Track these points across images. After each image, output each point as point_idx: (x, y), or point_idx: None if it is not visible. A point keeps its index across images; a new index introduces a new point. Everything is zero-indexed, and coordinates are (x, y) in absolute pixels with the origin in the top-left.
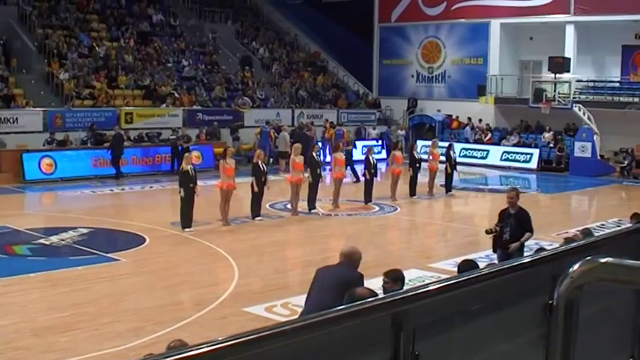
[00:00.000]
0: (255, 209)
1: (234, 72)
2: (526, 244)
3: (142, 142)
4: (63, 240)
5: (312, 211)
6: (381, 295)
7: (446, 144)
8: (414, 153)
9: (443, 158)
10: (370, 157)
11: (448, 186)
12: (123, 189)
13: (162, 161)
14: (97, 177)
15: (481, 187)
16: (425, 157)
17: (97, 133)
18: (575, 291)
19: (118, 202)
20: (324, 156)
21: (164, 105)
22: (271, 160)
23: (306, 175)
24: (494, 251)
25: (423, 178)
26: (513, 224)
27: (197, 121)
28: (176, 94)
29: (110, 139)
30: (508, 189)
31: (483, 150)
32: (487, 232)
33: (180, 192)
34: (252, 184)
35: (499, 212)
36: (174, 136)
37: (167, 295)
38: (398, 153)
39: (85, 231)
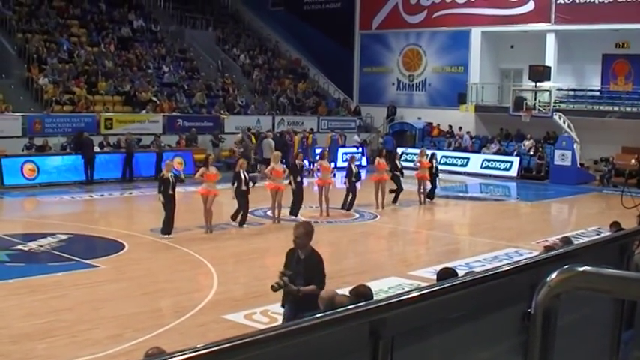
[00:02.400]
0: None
1: (215, 78)
2: (505, 252)
3: (121, 148)
4: (42, 246)
5: (293, 218)
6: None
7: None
8: (397, 161)
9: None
10: (352, 166)
11: (430, 194)
12: (102, 195)
13: (141, 167)
14: (76, 183)
15: (461, 195)
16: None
17: (84, 139)
18: (553, 299)
19: (97, 208)
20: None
21: (144, 111)
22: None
23: (286, 182)
24: (283, 305)
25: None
26: (304, 273)
27: (177, 128)
28: (156, 100)
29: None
30: (295, 225)
31: (464, 158)
32: (273, 288)
33: (160, 198)
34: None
35: (286, 253)
36: (128, 142)
37: (146, 302)
38: (382, 160)
39: (63, 237)
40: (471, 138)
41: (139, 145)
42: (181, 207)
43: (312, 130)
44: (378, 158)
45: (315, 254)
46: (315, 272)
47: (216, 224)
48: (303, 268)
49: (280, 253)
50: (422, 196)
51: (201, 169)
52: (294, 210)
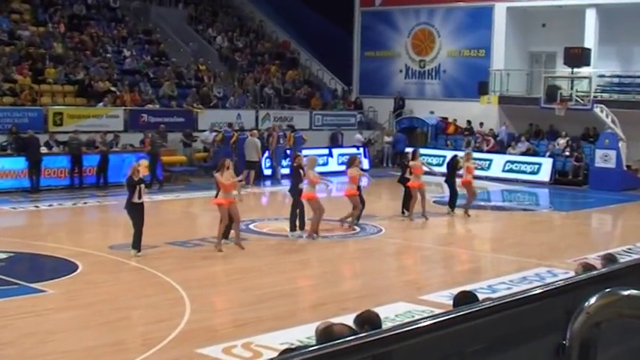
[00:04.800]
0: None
1: (186, 65)
2: (536, 272)
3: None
4: None
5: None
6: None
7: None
8: (405, 162)
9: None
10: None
11: (451, 204)
12: (50, 205)
13: (94, 172)
14: (18, 190)
15: (482, 204)
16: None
17: (20, 137)
18: (592, 329)
19: (44, 220)
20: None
21: (101, 104)
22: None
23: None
24: None
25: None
26: None
27: (142, 124)
28: (116, 91)
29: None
30: None
31: (485, 159)
32: None
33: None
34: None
35: None
36: (75, 141)
37: (105, 334)
38: (418, 163)
39: (3, 256)
40: (492, 136)
41: (95, 146)
42: (147, 219)
43: (292, 127)
44: (412, 161)
45: None
46: None
47: (190, 239)
48: None
49: (267, 273)
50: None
51: (216, 175)
52: (302, 222)
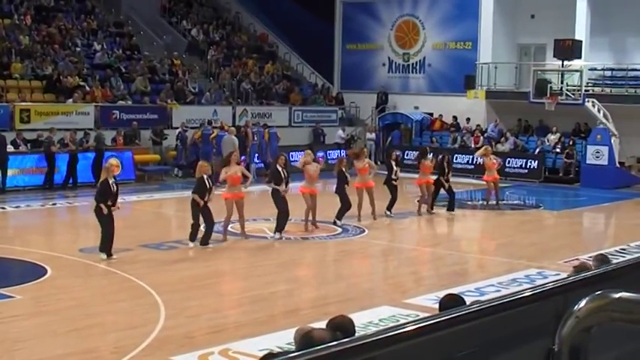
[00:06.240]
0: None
1: (160, 59)
2: (526, 273)
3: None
4: None
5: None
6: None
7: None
8: (391, 161)
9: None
10: (343, 169)
11: (450, 204)
12: (18, 206)
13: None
14: None
15: (469, 203)
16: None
17: None
18: (582, 334)
19: (11, 222)
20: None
21: (71, 100)
22: None
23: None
24: None
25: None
26: None
27: (113, 121)
28: (86, 87)
29: None
30: None
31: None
32: None
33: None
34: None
35: None
36: (47, 140)
37: (75, 341)
38: (428, 162)
39: None
40: (480, 132)
41: (64, 144)
42: (119, 222)
43: (265, 125)
44: (422, 160)
45: None
46: None
47: (164, 241)
48: None
49: (244, 277)
50: (497, 202)
51: (223, 170)
52: (281, 224)
